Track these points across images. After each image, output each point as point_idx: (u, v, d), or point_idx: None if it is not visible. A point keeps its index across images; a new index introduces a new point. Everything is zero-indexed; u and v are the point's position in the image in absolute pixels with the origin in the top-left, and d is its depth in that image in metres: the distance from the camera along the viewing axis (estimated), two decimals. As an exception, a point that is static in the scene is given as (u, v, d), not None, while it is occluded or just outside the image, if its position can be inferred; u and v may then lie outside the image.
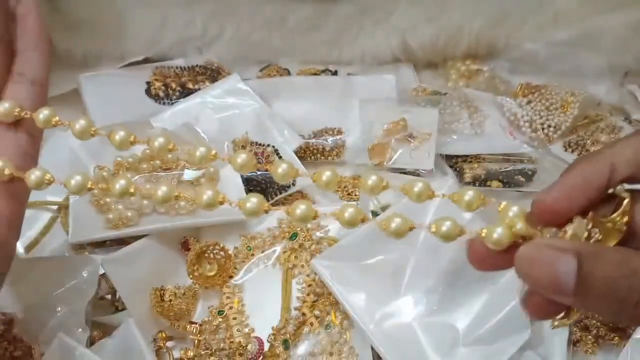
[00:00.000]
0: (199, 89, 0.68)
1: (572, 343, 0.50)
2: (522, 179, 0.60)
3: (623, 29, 0.73)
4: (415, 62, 0.76)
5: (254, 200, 0.27)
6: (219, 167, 0.56)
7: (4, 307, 0.43)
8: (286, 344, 0.47)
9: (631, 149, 0.24)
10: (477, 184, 0.60)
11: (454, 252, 0.49)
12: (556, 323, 0.25)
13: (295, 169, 0.28)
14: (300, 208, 0.26)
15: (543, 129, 0.67)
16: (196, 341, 0.48)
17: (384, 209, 0.55)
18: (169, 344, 0.48)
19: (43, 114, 0.31)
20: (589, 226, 0.24)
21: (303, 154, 0.63)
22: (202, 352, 0.47)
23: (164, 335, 0.48)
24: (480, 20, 0.74)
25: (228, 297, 0.50)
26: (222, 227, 0.54)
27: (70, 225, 0.51)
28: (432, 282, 0.49)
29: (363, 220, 0.26)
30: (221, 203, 0.27)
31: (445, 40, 0.74)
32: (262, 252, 0.53)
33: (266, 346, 0.47)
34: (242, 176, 0.56)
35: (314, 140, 0.64)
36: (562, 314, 0.25)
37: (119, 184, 0.28)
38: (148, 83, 0.69)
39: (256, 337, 0.48)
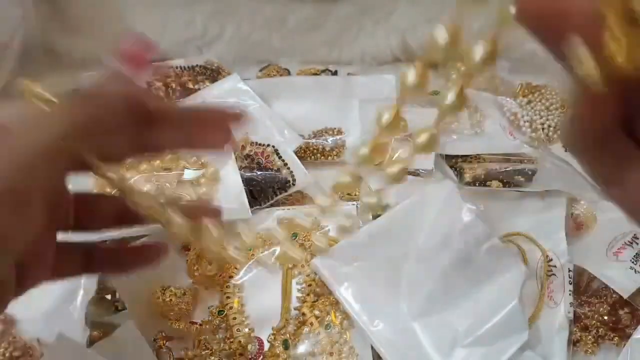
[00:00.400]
0: (199, 89, 0.68)
1: (572, 343, 0.50)
2: (522, 179, 0.60)
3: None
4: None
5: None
6: (218, 167, 0.56)
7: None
8: (286, 344, 0.47)
9: None
10: (477, 184, 0.60)
11: (454, 253, 0.49)
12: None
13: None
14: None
15: (543, 129, 0.67)
16: (196, 341, 0.48)
17: (384, 209, 0.55)
18: (169, 344, 0.48)
19: None
20: None
21: (303, 154, 0.63)
22: (202, 352, 0.47)
23: (164, 335, 0.48)
24: (480, 20, 0.74)
25: (228, 297, 0.50)
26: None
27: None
28: (432, 282, 0.49)
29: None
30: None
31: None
32: (262, 252, 0.53)
33: (266, 346, 0.47)
34: (241, 176, 0.56)
35: (314, 140, 0.64)
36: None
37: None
38: (148, 83, 0.69)
39: (256, 337, 0.48)
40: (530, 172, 0.61)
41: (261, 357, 0.47)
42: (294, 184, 0.58)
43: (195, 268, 0.50)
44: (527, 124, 0.67)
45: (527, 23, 0.19)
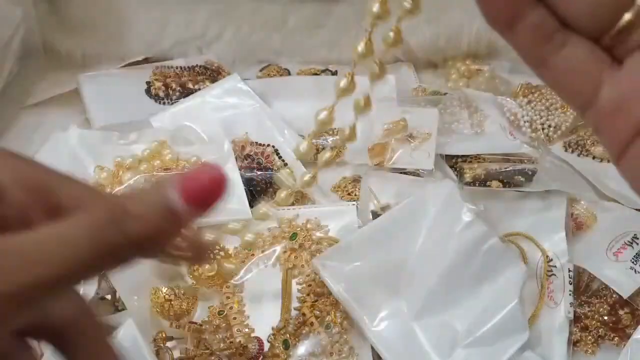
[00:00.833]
0: (199, 89, 0.68)
1: (572, 343, 0.50)
2: (522, 179, 0.60)
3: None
4: (415, 62, 0.76)
5: None
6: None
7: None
8: (286, 344, 0.47)
9: None
10: (477, 184, 0.59)
11: (454, 253, 0.49)
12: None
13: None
14: None
15: (543, 129, 0.67)
16: (196, 341, 0.48)
17: (384, 209, 0.55)
18: (169, 344, 0.48)
19: None
20: None
21: (303, 154, 0.63)
22: (202, 352, 0.47)
23: (164, 335, 0.48)
24: (480, 20, 0.73)
25: (228, 297, 0.50)
26: (222, 227, 0.53)
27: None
28: (431, 282, 0.49)
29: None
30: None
31: (445, 40, 0.74)
32: (262, 252, 0.53)
33: (266, 346, 0.47)
34: (241, 176, 0.56)
35: (314, 141, 0.64)
36: None
37: None
38: (148, 83, 0.69)
39: (256, 337, 0.48)
40: (530, 172, 0.61)
41: (261, 357, 0.47)
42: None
43: (195, 268, 0.50)
44: (527, 124, 0.67)
45: None
